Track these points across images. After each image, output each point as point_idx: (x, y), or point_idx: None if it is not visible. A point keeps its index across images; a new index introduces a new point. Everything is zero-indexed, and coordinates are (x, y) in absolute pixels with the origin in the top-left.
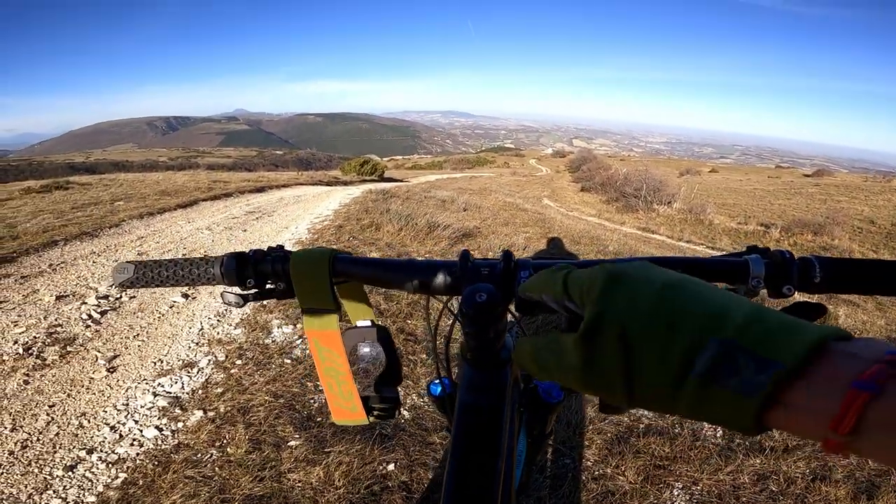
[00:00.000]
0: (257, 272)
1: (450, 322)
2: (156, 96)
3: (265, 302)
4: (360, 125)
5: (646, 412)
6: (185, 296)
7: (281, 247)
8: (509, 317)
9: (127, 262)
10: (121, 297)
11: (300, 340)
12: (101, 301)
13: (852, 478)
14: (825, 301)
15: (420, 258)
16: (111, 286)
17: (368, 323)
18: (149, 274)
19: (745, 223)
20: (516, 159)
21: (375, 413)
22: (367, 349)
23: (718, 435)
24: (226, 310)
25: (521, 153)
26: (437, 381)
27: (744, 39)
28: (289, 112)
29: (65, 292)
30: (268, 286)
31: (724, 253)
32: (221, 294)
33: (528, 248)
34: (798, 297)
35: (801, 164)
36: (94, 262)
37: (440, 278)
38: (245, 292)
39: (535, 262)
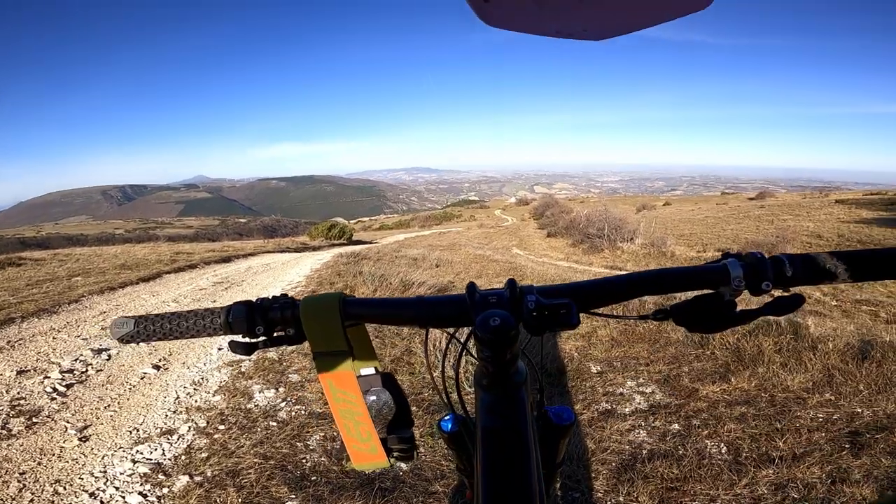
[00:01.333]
0: (266, 320)
1: (454, 358)
2: (110, 164)
3: (243, 368)
4: (325, 188)
5: (646, 437)
6: (157, 367)
7: (285, 294)
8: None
9: (126, 316)
10: (86, 370)
11: (284, 403)
12: (66, 375)
13: (871, 476)
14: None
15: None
16: (112, 340)
17: (372, 370)
18: (150, 327)
19: (704, 250)
20: (482, 211)
21: (395, 454)
22: (373, 397)
23: (724, 451)
24: (201, 378)
25: (485, 205)
26: (447, 417)
27: (680, 75)
28: (251, 177)
29: (26, 367)
30: (276, 333)
31: (704, 262)
32: (230, 343)
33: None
34: (776, 292)
35: (744, 189)
36: (54, 338)
37: (451, 310)
38: (253, 340)
39: (539, 287)
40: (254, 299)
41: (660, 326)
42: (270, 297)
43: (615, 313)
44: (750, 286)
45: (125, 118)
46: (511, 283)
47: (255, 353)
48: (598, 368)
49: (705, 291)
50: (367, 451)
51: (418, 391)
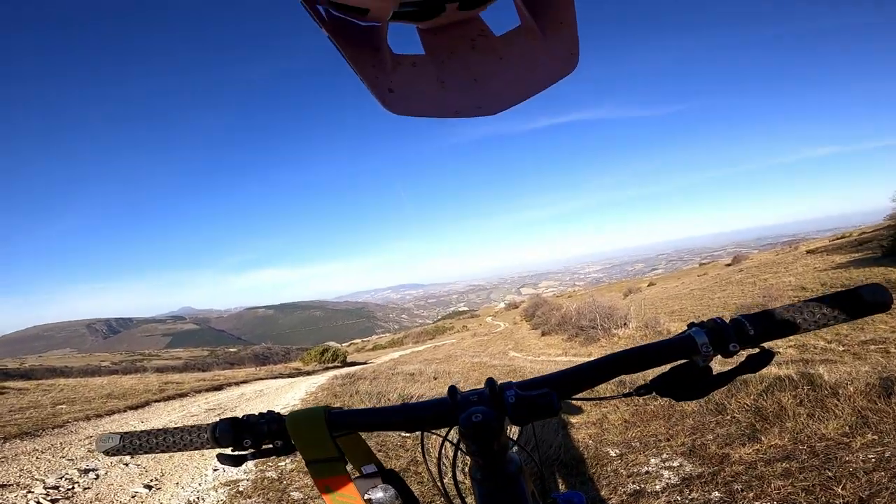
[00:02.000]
0: (253, 433)
1: (451, 458)
2: (95, 295)
3: (241, 487)
4: (314, 313)
5: None
6: (148, 486)
7: (271, 411)
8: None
9: (111, 432)
10: (73, 487)
11: None
12: (51, 491)
13: None
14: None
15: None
16: (96, 452)
17: (374, 468)
18: (136, 442)
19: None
20: (473, 320)
21: None
22: (379, 494)
23: None
24: (197, 497)
25: (476, 313)
26: None
27: (632, 152)
28: (238, 307)
29: (7, 482)
30: (264, 446)
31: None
32: (218, 456)
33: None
34: (746, 352)
35: (719, 256)
36: (37, 458)
37: (435, 412)
38: (242, 453)
39: (518, 381)
40: (241, 416)
41: (670, 402)
42: (256, 414)
43: (598, 395)
44: (718, 350)
45: (106, 250)
46: (490, 381)
47: (245, 464)
48: (617, 451)
49: (680, 362)
50: None
51: (430, 500)
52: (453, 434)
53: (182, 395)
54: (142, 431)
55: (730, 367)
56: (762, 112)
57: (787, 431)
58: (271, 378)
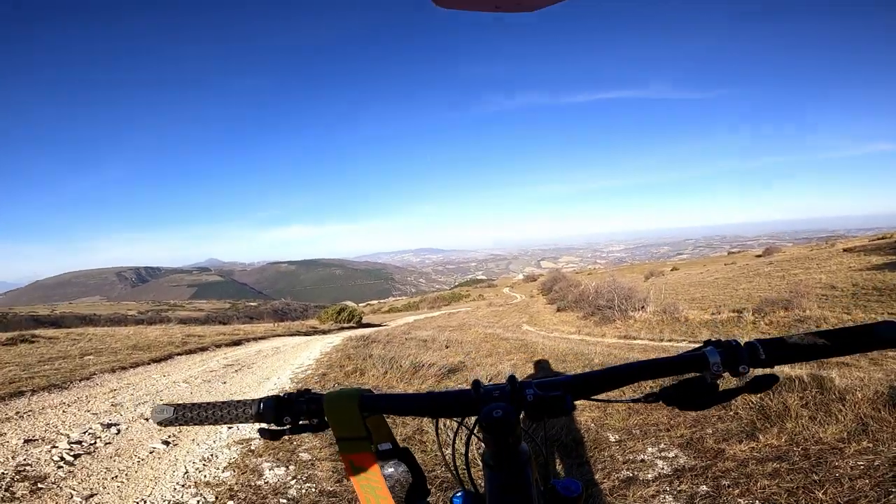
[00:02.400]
0: (293, 412)
1: (464, 441)
2: (126, 244)
3: (253, 446)
4: (334, 271)
5: (672, 501)
6: (166, 442)
7: (308, 390)
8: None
9: (166, 404)
10: (95, 442)
11: (295, 480)
12: (74, 445)
13: None
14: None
15: (437, 390)
16: (152, 422)
17: (389, 446)
18: (188, 414)
19: (718, 312)
20: (490, 290)
21: None
22: (391, 469)
23: None
24: (211, 454)
25: (493, 283)
26: (458, 494)
27: (672, 135)
28: (261, 261)
29: (33, 437)
30: (301, 422)
31: (687, 350)
32: (259, 430)
33: (515, 373)
34: (753, 372)
35: (750, 246)
36: (63, 411)
37: (459, 403)
38: (281, 428)
39: (537, 381)
40: (282, 394)
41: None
42: (296, 392)
43: (608, 398)
44: (728, 369)
45: (139, 200)
46: (511, 378)
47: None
48: (617, 437)
49: (690, 375)
50: None
51: (430, 468)
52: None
53: (203, 349)
54: (193, 404)
55: (736, 385)
56: (818, 103)
57: (786, 432)
58: (288, 335)
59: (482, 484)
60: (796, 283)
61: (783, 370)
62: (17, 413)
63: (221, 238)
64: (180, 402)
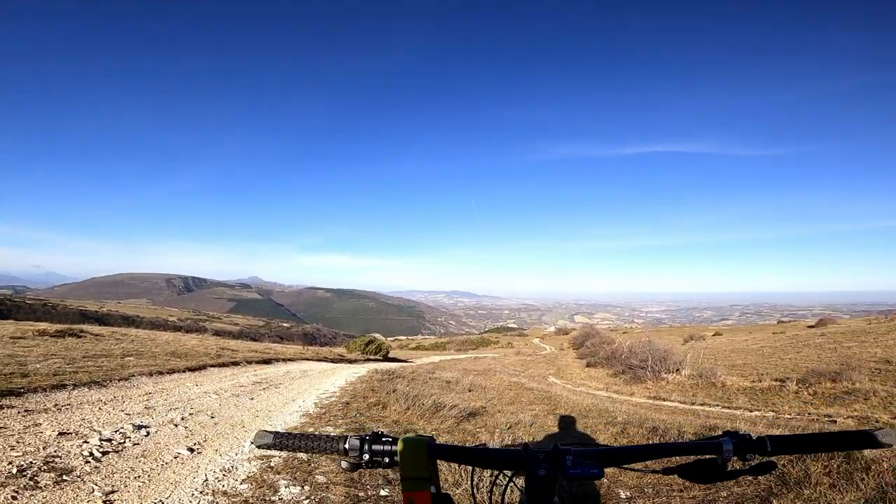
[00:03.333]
0: (371, 450)
1: (500, 491)
2: (178, 251)
3: (273, 463)
4: (367, 303)
5: None
6: (191, 449)
7: (383, 433)
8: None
9: (267, 430)
10: (124, 441)
11: (308, 501)
12: (104, 443)
13: None
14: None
15: (493, 446)
16: (251, 444)
17: (435, 489)
18: (285, 442)
19: (759, 380)
20: (520, 339)
21: None
22: None
23: None
24: (231, 465)
25: (524, 332)
26: None
27: (723, 194)
28: (300, 284)
29: (68, 430)
30: (375, 459)
31: (706, 437)
32: (342, 461)
33: (535, 424)
34: (757, 459)
35: (802, 316)
36: (100, 408)
37: (508, 458)
38: (359, 461)
39: (577, 449)
40: (366, 435)
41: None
42: (374, 433)
43: (633, 468)
44: (738, 456)
45: (200, 213)
46: (556, 445)
47: (358, 471)
48: (628, 494)
49: (705, 457)
50: None
51: None
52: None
53: (234, 364)
54: (290, 434)
55: (741, 468)
56: (885, 166)
57: (802, 498)
58: (316, 360)
59: None
60: (848, 356)
61: None
62: (56, 405)
63: (266, 257)
64: (279, 431)
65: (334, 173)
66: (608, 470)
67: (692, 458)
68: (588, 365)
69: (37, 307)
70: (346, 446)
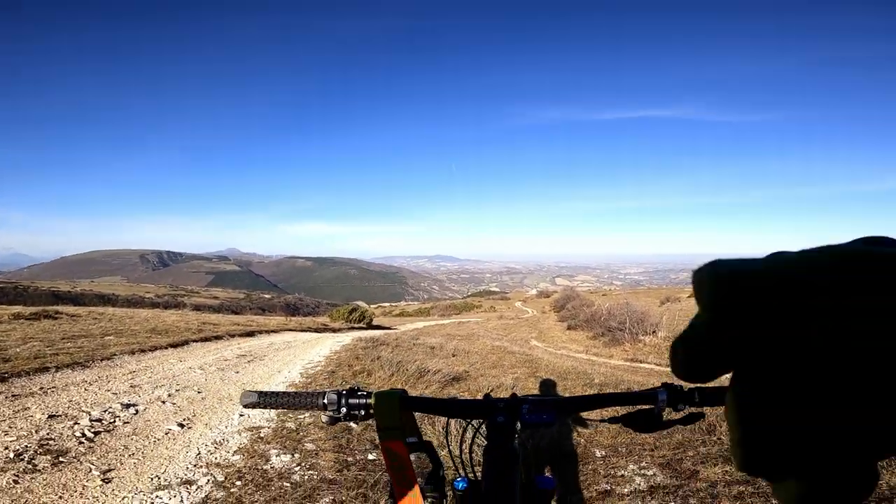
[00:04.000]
0: (348, 403)
1: (470, 437)
2: (152, 227)
3: (262, 434)
4: (349, 270)
5: None
6: (181, 425)
7: (359, 388)
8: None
9: (252, 390)
10: (114, 421)
11: (299, 467)
12: (95, 423)
13: None
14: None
15: (461, 397)
16: (240, 405)
17: (415, 438)
18: (269, 400)
19: None
20: (502, 302)
21: (429, 499)
22: (414, 457)
23: None
24: (222, 438)
25: (506, 296)
26: (460, 479)
27: (703, 156)
28: (279, 254)
29: (56, 412)
30: (353, 412)
31: (644, 389)
32: (321, 415)
33: (516, 387)
34: (688, 410)
35: None
36: (86, 389)
37: (473, 408)
38: (337, 415)
39: (532, 397)
40: (342, 390)
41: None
42: (350, 389)
43: (584, 419)
44: (671, 406)
45: (171, 185)
46: (513, 395)
47: (338, 424)
48: (603, 453)
49: (645, 406)
50: (410, 496)
51: (442, 466)
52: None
53: (217, 338)
54: (273, 392)
55: (674, 418)
56: (872, 132)
57: (722, 443)
58: (300, 330)
59: (479, 472)
60: None
61: None
62: (42, 388)
63: (243, 228)
64: (263, 390)
65: (311, 139)
66: (585, 430)
67: (636, 408)
68: (569, 328)
69: (8, 290)
70: (325, 401)
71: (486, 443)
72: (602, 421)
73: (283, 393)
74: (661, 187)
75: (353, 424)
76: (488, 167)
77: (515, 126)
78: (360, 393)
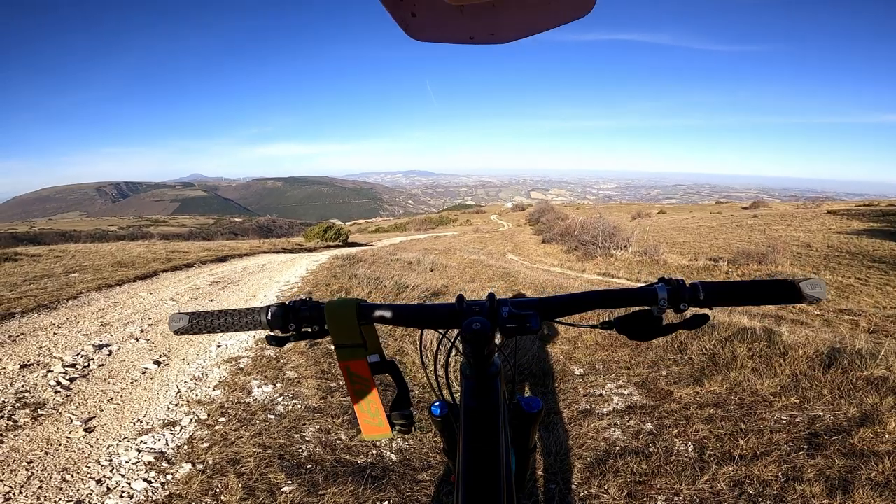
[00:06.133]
0: (297, 319)
1: (445, 352)
2: (106, 159)
3: (242, 365)
4: (322, 189)
5: (620, 435)
6: (157, 363)
7: (311, 298)
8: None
9: (182, 312)
10: (88, 365)
11: (282, 398)
12: (69, 369)
13: (823, 476)
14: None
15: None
16: (169, 332)
17: (378, 358)
18: (202, 322)
19: (696, 259)
20: (478, 216)
21: (397, 428)
22: (377, 380)
23: (690, 449)
24: (201, 373)
25: (482, 209)
26: (437, 403)
27: (676, 83)
28: (247, 177)
29: (28, 362)
30: (303, 330)
31: (643, 284)
32: (266, 337)
33: (495, 289)
34: (692, 311)
35: (738, 198)
36: (55, 333)
37: (443, 315)
38: (286, 335)
39: (513, 300)
40: (287, 302)
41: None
42: (299, 300)
43: (570, 323)
44: (672, 306)
45: (122, 114)
46: (491, 296)
47: (287, 344)
48: (582, 371)
49: (641, 308)
50: (375, 425)
51: (409, 389)
52: (451, 334)
53: (188, 266)
54: (207, 312)
55: (676, 322)
56: (832, 68)
57: (729, 381)
58: (274, 252)
59: (458, 395)
60: (775, 238)
61: (740, 319)
62: (10, 337)
63: (207, 153)
64: (195, 311)
65: (274, 58)
66: (563, 347)
67: (631, 310)
68: (544, 241)
69: None
70: (268, 317)
71: (461, 358)
72: (593, 326)
73: (219, 312)
74: (637, 108)
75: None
76: (464, 85)
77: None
78: (310, 304)
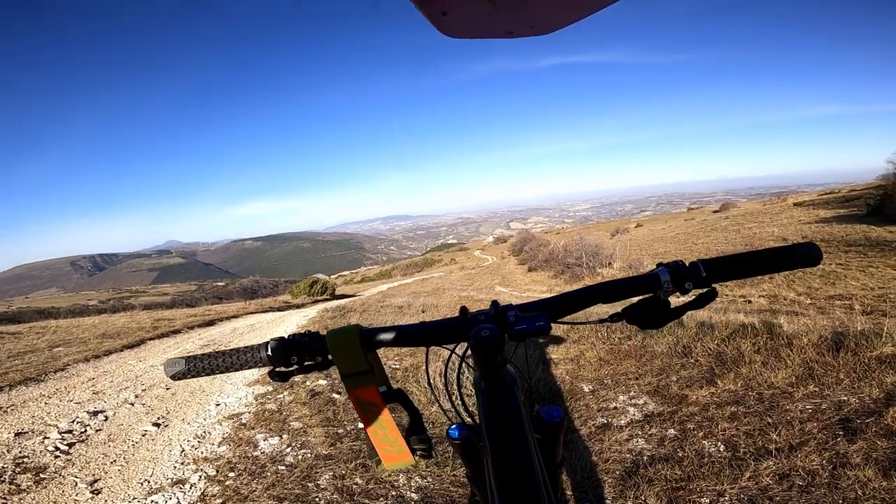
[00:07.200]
0: (298, 352)
1: (455, 370)
2: (77, 233)
3: (244, 420)
4: (302, 244)
5: (644, 444)
6: (156, 424)
7: (311, 331)
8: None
9: (178, 357)
10: (85, 430)
11: (290, 448)
12: (65, 435)
13: (871, 459)
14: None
15: (428, 320)
16: (165, 376)
17: (385, 388)
18: (199, 365)
19: None
20: (462, 253)
21: (418, 453)
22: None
23: (722, 449)
24: (203, 431)
25: (465, 246)
26: (453, 427)
27: (634, 98)
28: (224, 239)
29: (23, 430)
30: (306, 363)
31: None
32: (269, 373)
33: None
34: (697, 291)
35: (707, 202)
36: (46, 403)
37: (448, 330)
38: (289, 369)
39: (517, 304)
40: (286, 336)
41: (643, 342)
42: (299, 333)
43: (579, 321)
44: (676, 287)
45: (89, 186)
46: (494, 303)
47: (290, 380)
48: (590, 387)
49: (646, 295)
50: (395, 452)
51: (421, 413)
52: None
53: (175, 332)
54: (204, 354)
55: (683, 303)
56: (771, 68)
57: (741, 377)
58: (261, 312)
59: (475, 412)
60: (751, 236)
61: (737, 317)
62: (0, 409)
63: (181, 219)
64: (190, 354)
65: (241, 117)
66: (567, 367)
67: (636, 300)
68: (530, 269)
69: None
70: (268, 353)
71: (474, 374)
72: (602, 321)
73: (216, 353)
74: (601, 126)
75: (323, 383)
76: (432, 124)
77: (454, 82)
78: (310, 336)
